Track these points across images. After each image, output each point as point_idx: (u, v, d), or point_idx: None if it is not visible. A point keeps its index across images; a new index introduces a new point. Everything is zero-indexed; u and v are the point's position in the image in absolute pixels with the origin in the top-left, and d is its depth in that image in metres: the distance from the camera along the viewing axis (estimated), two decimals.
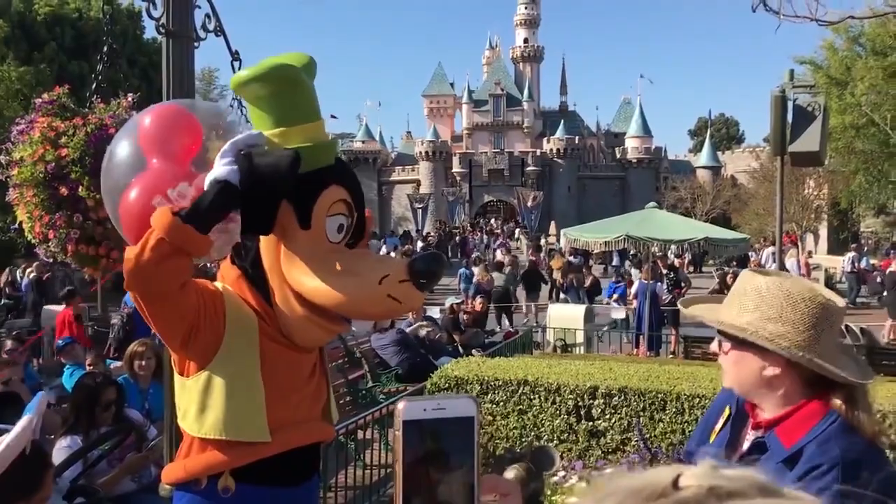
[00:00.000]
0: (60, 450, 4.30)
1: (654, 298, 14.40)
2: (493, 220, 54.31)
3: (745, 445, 1.87)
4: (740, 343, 1.80)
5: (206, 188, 2.06)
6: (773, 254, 20.69)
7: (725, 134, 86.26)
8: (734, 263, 26.53)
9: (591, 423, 6.25)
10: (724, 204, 47.77)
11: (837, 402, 1.73)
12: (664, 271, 16.31)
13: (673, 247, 13.99)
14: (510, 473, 2.35)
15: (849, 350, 1.90)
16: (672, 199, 47.69)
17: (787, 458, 1.69)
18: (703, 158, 66.27)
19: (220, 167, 2.04)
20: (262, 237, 2.19)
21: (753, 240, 28.87)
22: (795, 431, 1.72)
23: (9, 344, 8.23)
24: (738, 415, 1.92)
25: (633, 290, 15.79)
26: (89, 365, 7.36)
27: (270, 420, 2.19)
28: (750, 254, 26.48)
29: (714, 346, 1.93)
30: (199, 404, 2.17)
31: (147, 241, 1.95)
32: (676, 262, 19.59)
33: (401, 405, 1.06)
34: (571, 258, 23.89)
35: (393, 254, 30.26)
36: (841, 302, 1.82)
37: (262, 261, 2.19)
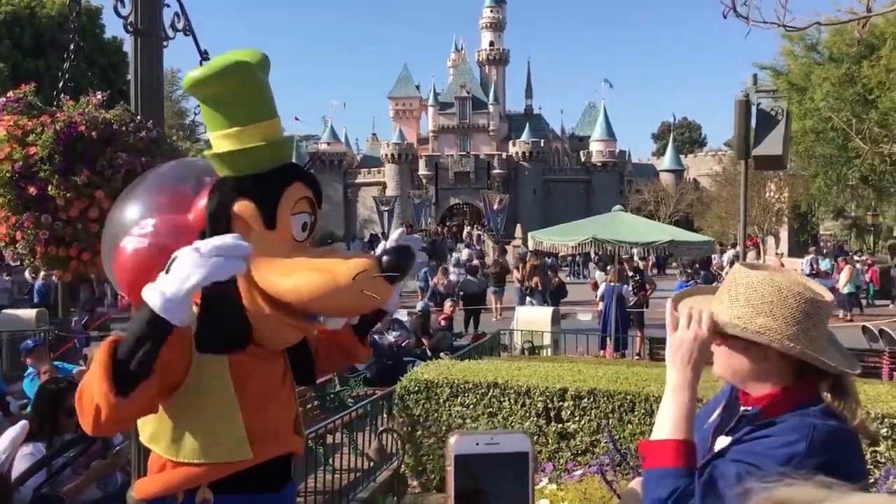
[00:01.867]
0: (23, 457, 4.19)
1: (621, 300, 14.53)
2: (470, 228, 53.71)
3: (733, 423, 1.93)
4: (734, 336, 1.85)
5: (148, 300, 1.81)
6: (736, 255, 20.98)
7: (688, 138, 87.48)
8: (697, 265, 26.88)
9: (560, 425, 6.27)
10: (687, 207, 48.45)
11: (825, 390, 1.79)
12: (630, 273, 16.47)
13: (636, 249, 14.15)
14: None
15: (836, 341, 1.95)
16: (636, 202, 48.26)
17: (762, 423, 1.77)
18: (666, 162, 67.08)
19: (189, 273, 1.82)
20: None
21: (716, 242, 29.27)
22: (779, 406, 1.79)
23: None
24: (730, 401, 1.98)
25: (599, 292, 15.90)
26: (44, 373, 7.09)
27: (248, 432, 2.13)
28: (713, 256, 26.88)
29: None
30: (172, 430, 2.11)
31: (90, 405, 1.84)
32: (640, 264, 19.75)
33: (452, 439, 1.02)
34: (547, 259, 23.97)
35: None
36: (829, 296, 1.88)
37: None
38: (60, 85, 3.21)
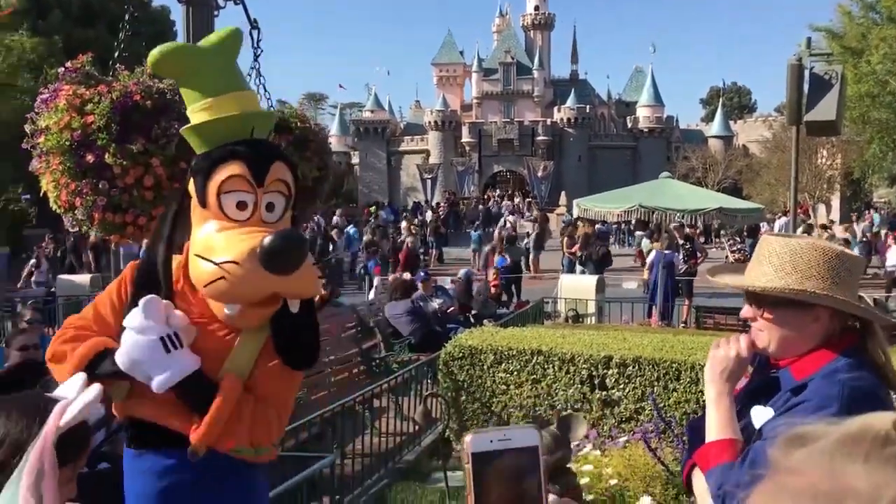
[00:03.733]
0: None
1: (670, 268, 14.28)
2: (518, 199, 52.97)
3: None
4: (783, 304, 1.89)
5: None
6: (787, 223, 20.56)
7: (737, 103, 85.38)
8: (745, 234, 26.43)
9: (604, 393, 6.28)
10: (736, 174, 47.48)
11: (868, 342, 1.90)
12: (681, 241, 16.19)
13: (684, 217, 13.91)
14: None
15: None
16: (683, 169, 47.32)
17: (794, 388, 1.84)
18: (714, 128, 65.62)
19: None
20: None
21: (766, 210, 28.77)
22: (807, 368, 1.86)
23: (28, 314, 8.28)
24: (760, 364, 2.04)
25: (649, 260, 15.69)
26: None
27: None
28: (762, 224, 26.37)
29: (746, 312, 1.99)
30: None
31: None
32: (690, 231, 19.43)
33: (468, 438, 1.10)
34: (599, 225, 23.70)
35: (403, 224, 30.46)
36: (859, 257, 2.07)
37: None
38: (116, 55, 3.27)
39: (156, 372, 2.03)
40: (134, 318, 2.07)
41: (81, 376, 1.81)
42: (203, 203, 2.14)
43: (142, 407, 2.17)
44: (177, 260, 2.27)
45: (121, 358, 2.05)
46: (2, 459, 1.59)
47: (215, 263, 2.02)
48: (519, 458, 1.11)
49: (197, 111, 2.17)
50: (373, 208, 45.96)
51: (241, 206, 2.13)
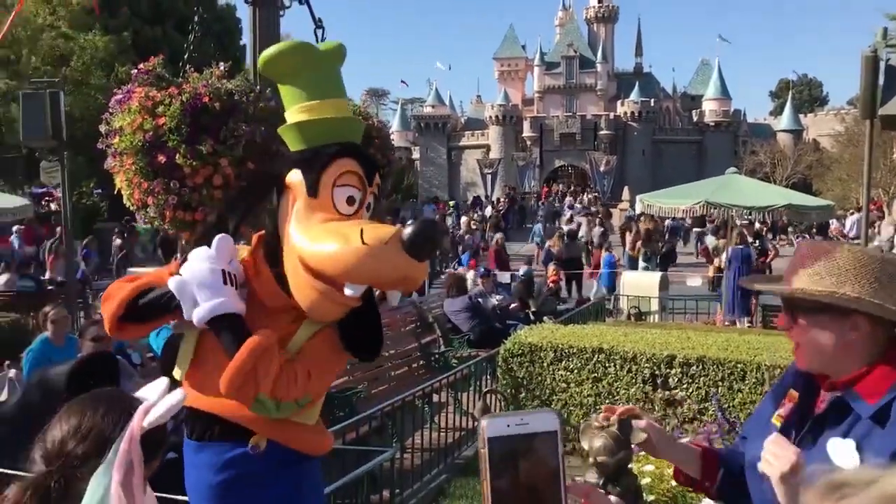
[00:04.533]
0: None
1: (748, 262, 13.82)
2: (578, 195, 52.05)
3: (822, 407, 1.87)
4: (818, 311, 1.81)
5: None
6: (859, 220, 19.92)
7: (808, 96, 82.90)
8: (814, 230, 25.72)
9: (667, 393, 6.20)
10: (806, 169, 46.19)
11: None
12: (750, 239, 15.72)
13: (752, 213, 13.54)
14: (598, 442, 2.35)
15: None
16: (751, 164, 46.20)
17: (874, 416, 1.72)
18: (783, 121, 63.93)
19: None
20: (279, 204, 2.25)
21: (836, 206, 27.88)
22: (876, 388, 1.75)
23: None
24: (807, 388, 1.92)
25: (725, 257, 15.22)
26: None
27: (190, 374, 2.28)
28: (831, 221, 25.60)
29: (781, 321, 1.94)
30: None
31: None
32: (758, 227, 18.93)
33: (484, 422, 1.06)
34: (669, 221, 23.26)
35: (463, 220, 30.57)
36: None
37: (279, 227, 2.25)
38: (185, 56, 3.36)
39: (205, 297, 2.08)
40: (202, 251, 2.16)
41: (164, 380, 1.84)
42: (314, 192, 2.18)
43: (205, 399, 2.20)
44: (245, 249, 2.31)
45: (174, 279, 2.13)
46: (88, 451, 1.63)
47: (364, 242, 2.05)
48: (537, 443, 1.08)
49: (304, 110, 2.23)
50: (451, 203, 46.36)
51: (350, 201, 2.20)
